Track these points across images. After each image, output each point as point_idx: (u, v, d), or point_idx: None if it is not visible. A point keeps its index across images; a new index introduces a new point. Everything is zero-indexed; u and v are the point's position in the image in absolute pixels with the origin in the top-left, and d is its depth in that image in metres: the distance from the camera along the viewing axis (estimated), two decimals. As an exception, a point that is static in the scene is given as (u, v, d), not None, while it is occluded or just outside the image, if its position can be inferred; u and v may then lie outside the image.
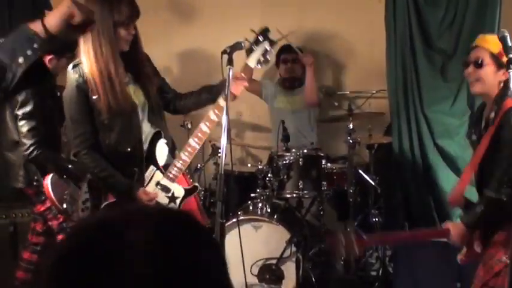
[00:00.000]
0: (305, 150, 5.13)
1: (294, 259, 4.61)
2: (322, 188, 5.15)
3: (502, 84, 3.19)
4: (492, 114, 3.18)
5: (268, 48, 3.70)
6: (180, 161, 3.59)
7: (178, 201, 3.62)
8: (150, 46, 6.11)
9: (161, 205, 3.49)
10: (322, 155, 5.22)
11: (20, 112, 4.16)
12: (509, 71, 3.10)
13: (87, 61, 3.35)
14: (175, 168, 3.59)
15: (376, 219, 5.29)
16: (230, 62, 3.46)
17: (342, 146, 5.71)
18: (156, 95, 3.67)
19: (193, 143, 3.58)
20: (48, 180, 4.00)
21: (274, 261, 4.54)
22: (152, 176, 3.59)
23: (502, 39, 3.25)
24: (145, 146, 3.56)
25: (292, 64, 5.77)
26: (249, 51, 3.70)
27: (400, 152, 5.33)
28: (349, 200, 5.22)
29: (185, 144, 3.61)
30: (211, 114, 3.56)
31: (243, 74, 3.69)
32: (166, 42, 6.01)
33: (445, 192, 5.13)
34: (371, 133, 5.50)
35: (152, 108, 3.64)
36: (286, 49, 5.68)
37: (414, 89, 5.22)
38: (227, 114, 3.38)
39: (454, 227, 3.36)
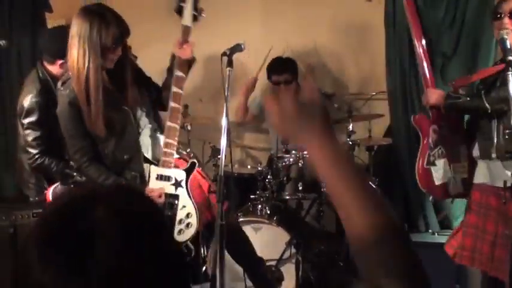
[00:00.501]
0: (305, 152, 5.12)
1: (293, 261, 4.60)
2: (322, 190, 5.15)
3: None
4: None
5: None
6: (168, 146, 3.59)
7: (183, 183, 3.62)
8: (150, 48, 6.16)
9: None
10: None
11: (25, 121, 4.15)
12: (508, 73, 3.12)
13: (73, 78, 3.37)
14: (167, 154, 3.60)
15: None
16: (230, 63, 3.49)
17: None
18: (146, 101, 3.73)
19: (171, 123, 3.59)
20: (51, 190, 4.00)
21: (273, 263, 4.53)
22: (149, 172, 3.60)
23: (501, 42, 3.26)
24: (150, 151, 3.61)
25: (285, 85, 5.49)
26: (179, 10, 3.66)
27: (399, 154, 5.33)
28: (349, 202, 5.22)
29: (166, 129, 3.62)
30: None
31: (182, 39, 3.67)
32: (166, 44, 5.99)
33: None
34: (370, 135, 5.50)
35: (148, 114, 3.72)
36: (276, 69, 5.51)
37: (413, 91, 5.22)
38: (227, 116, 3.39)
39: (435, 91, 3.83)
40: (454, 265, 4.11)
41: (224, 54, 3.60)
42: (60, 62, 4.14)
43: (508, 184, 3.18)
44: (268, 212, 4.76)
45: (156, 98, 3.83)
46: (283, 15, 6.12)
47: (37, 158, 4.14)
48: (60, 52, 3.93)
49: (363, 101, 5.90)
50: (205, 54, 5.66)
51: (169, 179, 3.61)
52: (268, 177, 4.89)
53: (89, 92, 3.33)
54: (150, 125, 3.70)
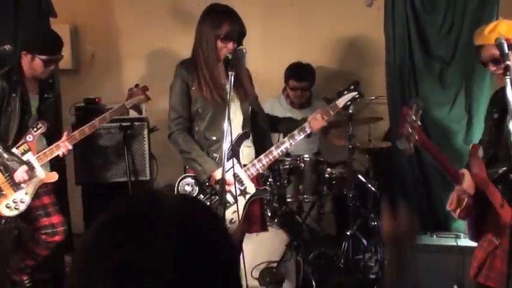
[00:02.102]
0: (305, 155, 5.13)
1: (294, 262, 4.61)
2: (322, 193, 5.15)
3: None
4: None
5: (356, 97, 3.92)
6: (260, 164, 3.89)
7: (248, 196, 3.88)
8: (154, 53, 6.18)
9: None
10: (322, 160, 5.22)
11: None
12: (506, 77, 3.12)
13: (196, 58, 3.86)
14: (254, 168, 3.89)
15: (375, 223, 5.30)
16: (232, 68, 3.53)
17: (342, 151, 5.70)
18: (249, 106, 4.01)
19: (275, 152, 3.87)
20: None
21: (274, 265, 4.53)
22: (233, 167, 3.73)
23: (499, 46, 3.25)
24: (231, 140, 3.66)
25: (301, 92, 5.63)
26: (340, 94, 3.90)
27: (398, 157, 5.32)
28: (349, 204, 5.23)
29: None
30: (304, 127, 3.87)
31: (330, 112, 3.88)
32: (169, 49, 6.02)
33: (441, 197, 5.13)
34: (370, 138, 5.50)
35: (245, 113, 3.97)
36: (297, 75, 5.59)
37: (413, 95, 5.22)
38: (228, 119, 3.43)
39: (471, 175, 3.42)
40: (453, 267, 4.11)
41: (226, 58, 3.70)
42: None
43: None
44: (269, 214, 4.77)
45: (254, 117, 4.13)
46: (284, 23, 6.13)
47: None
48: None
49: (363, 105, 5.90)
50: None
51: (242, 184, 3.85)
52: (270, 179, 4.89)
53: (210, 68, 3.83)
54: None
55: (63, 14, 5.50)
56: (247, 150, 3.96)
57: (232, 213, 3.74)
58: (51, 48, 4.23)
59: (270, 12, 6.19)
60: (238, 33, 3.79)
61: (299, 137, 3.86)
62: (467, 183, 3.41)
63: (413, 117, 3.46)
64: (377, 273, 5.14)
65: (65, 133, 4.24)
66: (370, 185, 5.33)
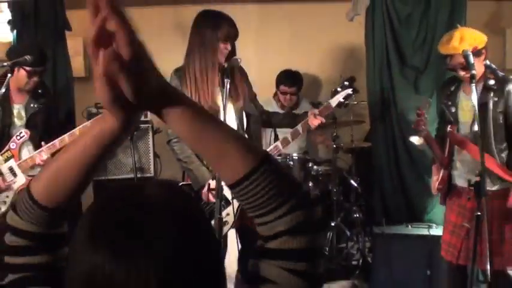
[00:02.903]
0: (294, 154, 5.15)
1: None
2: (309, 188, 5.18)
3: None
4: None
5: (350, 93, 3.81)
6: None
7: (232, 206, 3.59)
8: (158, 62, 6.20)
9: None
10: (309, 158, 5.25)
11: None
12: (472, 84, 3.17)
13: (190, 64, 3.66)
14: None
15: (357, 215, 5.34)
16: (227, 75, 3.51)
17: (327, 151, 5.75)
18: (243, 113, 3.86)
19: (279, 144, 3.79)
20: None
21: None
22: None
23: (465, 57, 3.31)
24: None
25: (291, 96, 5.59)
26: (334, 93, 3.81)
27: (378, 156, 5.37)
28: (333, 199, 5.26)
29: None
30: (296, 129, 3.79)
31: (316, 112, 3.74)
32: (171, 59, 6.03)
33: (415, 191, 5.18)
34: (353, 139, 5.54)
35: (239, 120, 3.80)
36: (288, 81, 5.57)
37: (390, 100, 5.26)
38: (224, 121, 3.42)
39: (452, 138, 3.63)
40: (426, 254, 4.15)
41: (223, 67, 3.63)
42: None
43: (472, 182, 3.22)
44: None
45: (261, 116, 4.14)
46: (276, 33, 6.16)
47: None
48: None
49: (346, 109, 5.92)
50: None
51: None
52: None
53: (205, 74, 3.63)
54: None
55: (77, 28, 5.52)
56: None
57: (226, 216, 3.61)
58: (35, 61, 4.06)
59: (263, 24, 6.22)
60: (234, 35, 3.68)
61: (291, 140, 3.80)
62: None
63: (426, 115, 3.59)
64: (358, 260, 5.17)
65: (43, 143, 4.08)
66: (352, 181, 5.37)
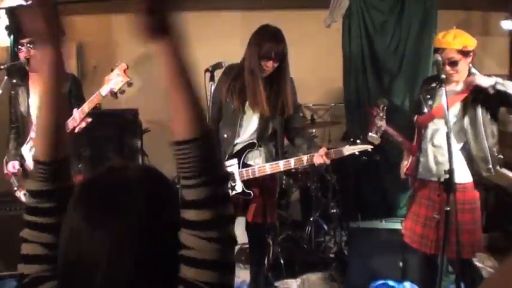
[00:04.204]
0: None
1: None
2: (289, 185, 5.19)
3: None
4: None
5: (369, 151, 3.60)
6: (258, 171, 3.65)
7: (234, 192, 3.69)
8: (148, 66, 6.17)
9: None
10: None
11: None
12: (442, 88, 3.20)
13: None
14: (251, 171, 3.66)
15: (334, 211, 5.35)
16: (212, 78, 3.51)
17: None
18: (279, 119, 3.77)
19: (268, 168, 3.65)
20: None
21: (247, 246, 4.55)
22: (231, 166, 3.67)
23: (435, 63, 3.35)
24: (237, 144, 3.66)
25: None
26: (353, 143, 3.63)
27: (353, 155, 5.38)
28: (312, 195, 5.28)
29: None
30: (301, 159, 3.63)
31: (322, 153, 3.58)
32: (161, 63, 6.01)
33: (390, 189, 5.21)
34: (330, 139, 5.55)
35: (262, 125, 3.74)
36: None
37: (366, 103, 5.28)
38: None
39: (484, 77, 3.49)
40: (399, 247, 4.17)
41: (207, 70, 3.61)
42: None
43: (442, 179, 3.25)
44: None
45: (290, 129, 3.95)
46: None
47: None
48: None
49: (324, 110, 5.96)
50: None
51: (234, 181, 3.70)
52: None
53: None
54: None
55: (71, 33, 5.49)
56: (257, 153, 3.80)
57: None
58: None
59: (247, 30, 6.21)
60: (275, 53, 3.61)
61: (292, 166, 3.67)
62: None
63: (381, 114, 3.59)
64: (335, 253, 5.19)
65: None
66: (330, 178, 5.39)
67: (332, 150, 3.61)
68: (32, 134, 3.97)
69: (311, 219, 5.27)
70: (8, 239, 4.49)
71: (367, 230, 4.54)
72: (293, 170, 5.17)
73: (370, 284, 4.17)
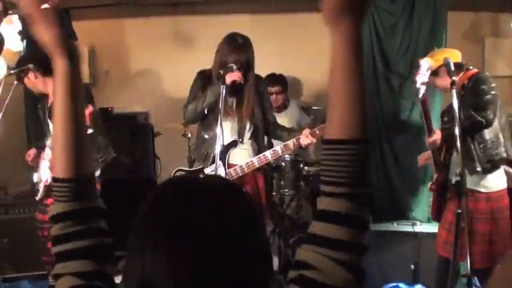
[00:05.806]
0: (286, 156, 5.13)
1: (277, 246, 4.61)
2: (300, 187, 5.16)
3: None
4: None
5: None
6: (246, 167, 3.71)
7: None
8: (159, 70, 6.18)
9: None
10: (300, 159, 5.23)
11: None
12: (453, 90, 3.17)
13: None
14: (239, 170, 3.72)
15: (345, 213, 5.31)
16: (223, 81, 3.50)
17: (317, 153, 5.73)
18: (257, 119, 3.86)
19: (255, 161, 3.71)
20: None
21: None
22: (217, 169, 3.65)
23: (446, 65, 3.31)
24: (221, 143, 3.59)
25: (276, 95, 5.54)
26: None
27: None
28: (323, 197, 5.24)
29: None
30: (288, 144, 3.68)
31: (307, 133, 3.62)
32: (171, 66, 6.03)
33: (400, 190, 5.18)
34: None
35: (241, 126, 3.81)
36: (270, 81, 5.45)
37: (376, 105, 5.26)
38: (221, 125, 3.43)
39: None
40: (410, 249, 4.14)
41: (218, 74, 3.61)
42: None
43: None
44: (256, 206, 4.76)
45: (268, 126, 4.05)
46: (267, 45, 6.15)
47: None
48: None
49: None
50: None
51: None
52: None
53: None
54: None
55: (83, 37, 5.51)
56: (240, 152, 3.84)
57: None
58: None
59: (255, 33, 6.20)
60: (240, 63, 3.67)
61: (281, 153, 3.74)
62: (437, 136, 3.62)
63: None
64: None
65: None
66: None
67: (316, 128, 3.61)
68: (47, 151, 3.92)
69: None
70: (19, 241, 4.54)
71: (379, 233, 4.50)
72: (304, 173, 5.16)
73: (382, 286, 4.13)
